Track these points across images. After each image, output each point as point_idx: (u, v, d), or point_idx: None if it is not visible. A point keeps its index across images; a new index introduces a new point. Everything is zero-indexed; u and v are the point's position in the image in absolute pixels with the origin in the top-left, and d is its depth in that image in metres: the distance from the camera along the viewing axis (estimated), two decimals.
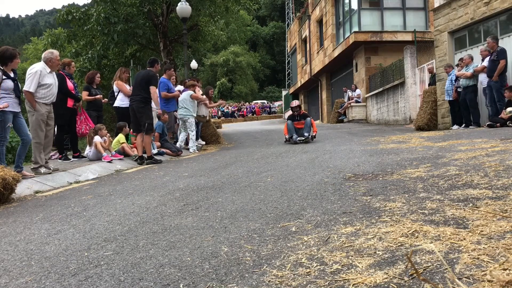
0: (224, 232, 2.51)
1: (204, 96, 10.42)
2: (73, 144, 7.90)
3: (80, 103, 7.75)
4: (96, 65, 15.31)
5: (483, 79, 9.17)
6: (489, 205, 2.43)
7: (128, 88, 8.73)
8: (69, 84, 7.45)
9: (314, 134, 9.70)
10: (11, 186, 4.45)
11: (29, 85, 5.78)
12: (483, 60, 9.17)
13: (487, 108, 9.20)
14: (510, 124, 8.32)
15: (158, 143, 8.70)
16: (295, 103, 10.14)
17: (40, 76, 5.86)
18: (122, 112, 8.74)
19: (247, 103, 44.94)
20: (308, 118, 9.67)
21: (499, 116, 8.61)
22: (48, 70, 6.03)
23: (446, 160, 4.33)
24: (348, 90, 18.45)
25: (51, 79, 6.07)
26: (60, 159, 7.53)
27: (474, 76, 9.37)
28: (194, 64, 25.42)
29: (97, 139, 7.43)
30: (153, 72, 7.61)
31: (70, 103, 7.43)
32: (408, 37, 15.88)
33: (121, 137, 8.06)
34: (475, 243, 1.83)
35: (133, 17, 14.91)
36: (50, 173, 5.89)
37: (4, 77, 5.36)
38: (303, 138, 9.37)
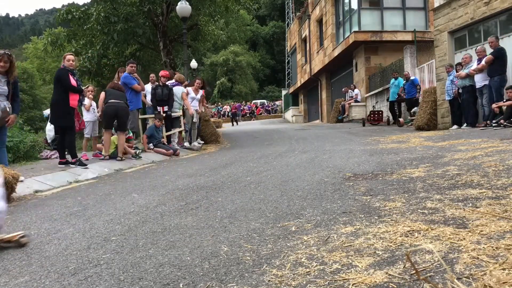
0: (224, 231, 2.51)
1: (189, 103, 9.85)
2: (72, 147, 6.90)
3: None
4: (96, 65, 15.30)
5: (478, 80, 9.14)
6: (489, 205, 2.43)
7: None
8: (72, 80, 6.65)
9: None
10: (11, 185, 4.44)
11: None
12: (479, 60, 9.13)
13: (482, 108, 9.19)
14: (494, 124, 8.32)
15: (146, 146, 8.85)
16: None
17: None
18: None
19: (250, 102, 44.50)
20: None
21: (493, 108, 8.60)
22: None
23: (446, 160, 4.33)
24: (349, 90, 18.41)
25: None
26: (74, 164, 6.53)
27: (469, 76, 9.34)
28: (194, 63, 25.40)
29: None
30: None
31: (73, 102, 6.67)
32: (408, 37, 15.88)
33: (115, 138, 7.80)
34: (475, 243, 1.83)
35: (133, 16, 14.90)
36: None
37: None
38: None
